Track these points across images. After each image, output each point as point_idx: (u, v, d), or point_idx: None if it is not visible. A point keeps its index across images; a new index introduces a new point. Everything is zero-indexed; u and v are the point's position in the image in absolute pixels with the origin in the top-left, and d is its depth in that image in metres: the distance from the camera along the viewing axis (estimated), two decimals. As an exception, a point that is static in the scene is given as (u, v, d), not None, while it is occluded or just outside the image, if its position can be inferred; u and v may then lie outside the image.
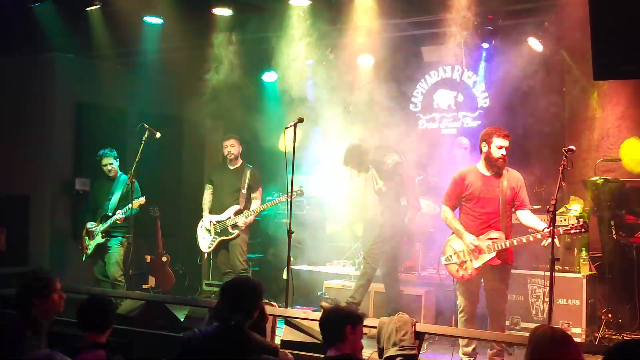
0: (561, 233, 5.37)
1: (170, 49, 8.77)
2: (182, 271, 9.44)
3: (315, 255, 8.14)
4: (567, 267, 6.58)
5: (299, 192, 7.06)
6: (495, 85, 8.29)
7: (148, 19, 8.10)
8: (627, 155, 7.39)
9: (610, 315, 6.68)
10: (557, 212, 5.37)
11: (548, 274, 5.22)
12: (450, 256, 5.70)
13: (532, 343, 3.01)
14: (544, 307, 6.54)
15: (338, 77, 8.12)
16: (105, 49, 8.64)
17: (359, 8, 7.64)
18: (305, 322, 5.63)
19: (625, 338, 6.40)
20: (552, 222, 5.05)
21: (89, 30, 8.14)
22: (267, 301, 4.17)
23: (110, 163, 7.64)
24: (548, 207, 5.10)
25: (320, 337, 3.76)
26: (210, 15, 7.97)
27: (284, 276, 6.35)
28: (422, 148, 7.61)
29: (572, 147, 5.17)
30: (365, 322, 5.46)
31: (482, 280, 5.65)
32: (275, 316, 5.73)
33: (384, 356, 5.09)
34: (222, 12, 7.93)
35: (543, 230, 5.33)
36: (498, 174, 5.64)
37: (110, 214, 7.50)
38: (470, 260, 5.57)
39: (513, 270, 5.91)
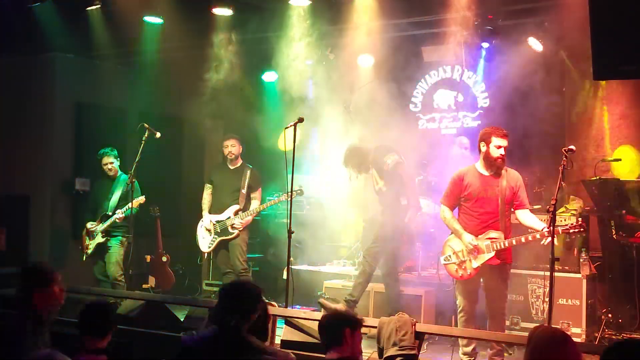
0: (560, 233, 5.37)
1: (170, 49, 8.77)
2: (182, 271, 9.45)
3: (315, 255, 8.14)
4: (567, 267, 6.58)
5: (299, 191, 7.06)
6: (495, 85, 8.30)
7: (148, 19, 8.11)
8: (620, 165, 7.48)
9: (610, 315, 6.67)
10: (556, 212, 5.37)
11: (548, 274, 5.23)
12: (450, 256, 5.70)
13: (532, 343, 3.01)
14: (544, 307, 6.54)
15: (338, 77, 8.13)
16: (105, 49, 8.65)
17: (359, 8, 7.65)
18: (305, 322, 5.63)
19: (625, 338, 6.40)
20: (552, 222, 5.05)
21: (89, 30, 8.15)
22: (267, 301, 4.18)
23: (111, 162, 7.64)
24: (548, 207, 5.11)
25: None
26: (210, 15, 7.97)
27: (284, 276, 6.36)
28: (422, 148, 7.62)
29: (572, 147, 5.17)
30: (365, 322, 5.49)
31: (482, 280, 5.66)
32: (275, 316, 5.73)
33: (384, 356, 5.09)
34: (222, 12, 7.93)
35: (542, 230, 5.33)
36: (497, 174, 5.64)
37: (110, 213, 7.51)
38: (470, 260, 5.57)
39: (513, 270, 5.92)
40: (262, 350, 3.40)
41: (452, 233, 5.76)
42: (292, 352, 3.67)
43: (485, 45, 7.86)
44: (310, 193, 7.95)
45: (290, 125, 6.17)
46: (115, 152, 7.71)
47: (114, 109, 9.42)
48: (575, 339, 4.85)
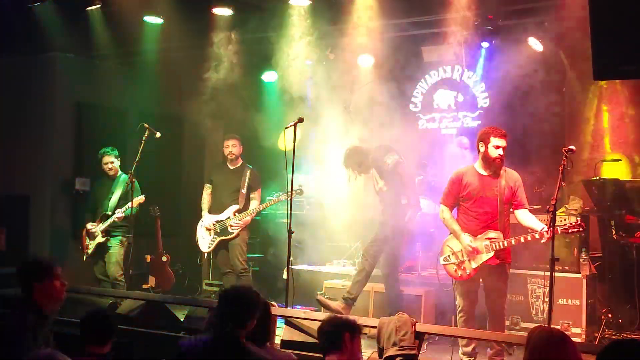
0: (559, 232, 5.37)
1: (170, 49, 8.77)
2: (182, 271, 9.44)
3: (315, 255, 8.14)
4: (567, 267, 6.58)
5: (299, 191, 7.06)
6: (495, 85, 8.29)
7: (148, 18, 8.11)
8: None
9: (610, 315, 6.67)
10: (556, 212, 5.37)
11: (548, 274, 5.23)
12: (449, 256, 5.70)
13: (531, 343, 3.02)
14: (543, 307, 6.54)
15: (338, 77, 8.13)
16: (106, 49, 8.66)
17: (359, 8, 7.65)
18: (305, 322, 5.64)
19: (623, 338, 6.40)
20: (552, 222, 5.05)
21: (89, 30, 8.15)
22: (267, 301, 4.18)
23: (112, 162, 7.65)
24: (548, 207, 5.10)
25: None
26: (210, 15, 7.97)
27: (284, 276, 6.36)
28: (422, 148, 7.62)
29: (572, 147, 5.17)
30: (366, 322, 5.50)
31: (481, 280, 5.65)
32: (275, 316, 5.73)
33: (384, 356, 5.09)
34: (222, 11, 7.94)
35: (541, 230, 5.33)
36: (496, 174, 5.63)
37: (110, 213, 7.51)
38: (469, 260, 5.57)
39: (513, 270, 5.91)
40: (259, 358, 3.41)
41: (450, 233, 5.76)
42: (292, 352, 3.67)
43: (485, 45, 7.86)
44: (310, 193, 7.95)
45: (290, 125, 6.18)
46: (116, 152, 7.72)
47: (114, 109, 9.42)
48: (575, 339, 4.86)
